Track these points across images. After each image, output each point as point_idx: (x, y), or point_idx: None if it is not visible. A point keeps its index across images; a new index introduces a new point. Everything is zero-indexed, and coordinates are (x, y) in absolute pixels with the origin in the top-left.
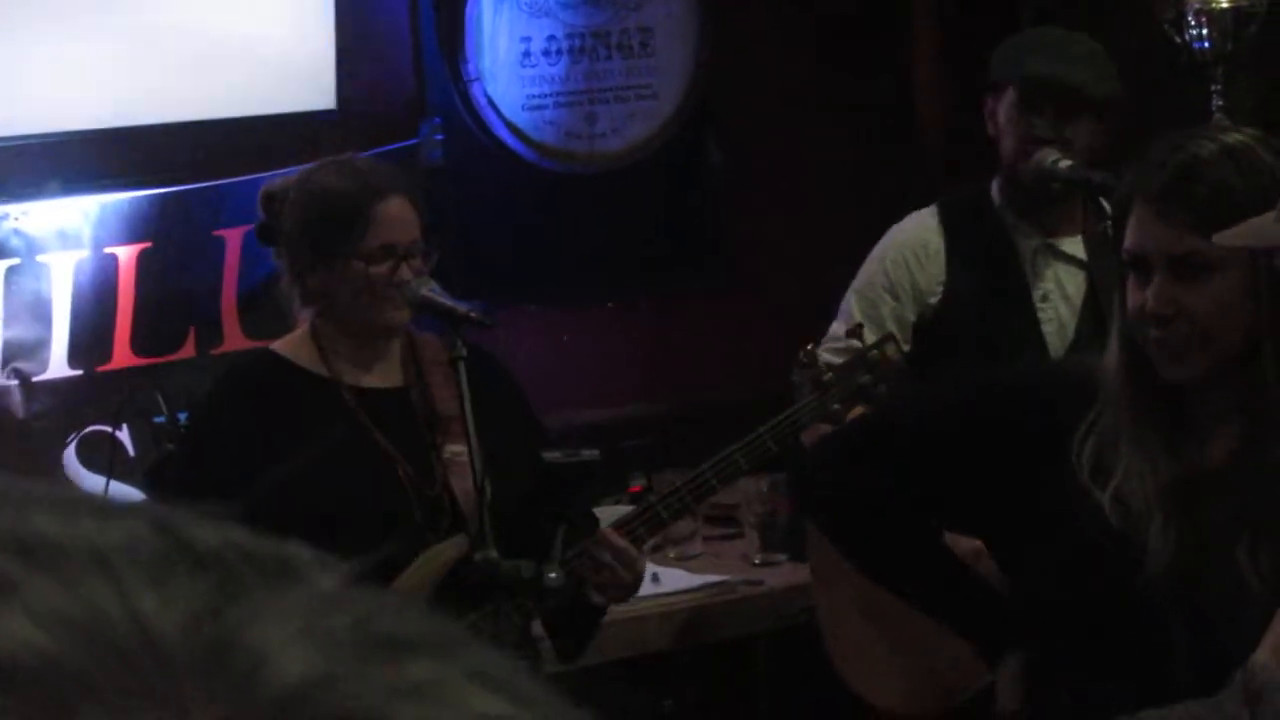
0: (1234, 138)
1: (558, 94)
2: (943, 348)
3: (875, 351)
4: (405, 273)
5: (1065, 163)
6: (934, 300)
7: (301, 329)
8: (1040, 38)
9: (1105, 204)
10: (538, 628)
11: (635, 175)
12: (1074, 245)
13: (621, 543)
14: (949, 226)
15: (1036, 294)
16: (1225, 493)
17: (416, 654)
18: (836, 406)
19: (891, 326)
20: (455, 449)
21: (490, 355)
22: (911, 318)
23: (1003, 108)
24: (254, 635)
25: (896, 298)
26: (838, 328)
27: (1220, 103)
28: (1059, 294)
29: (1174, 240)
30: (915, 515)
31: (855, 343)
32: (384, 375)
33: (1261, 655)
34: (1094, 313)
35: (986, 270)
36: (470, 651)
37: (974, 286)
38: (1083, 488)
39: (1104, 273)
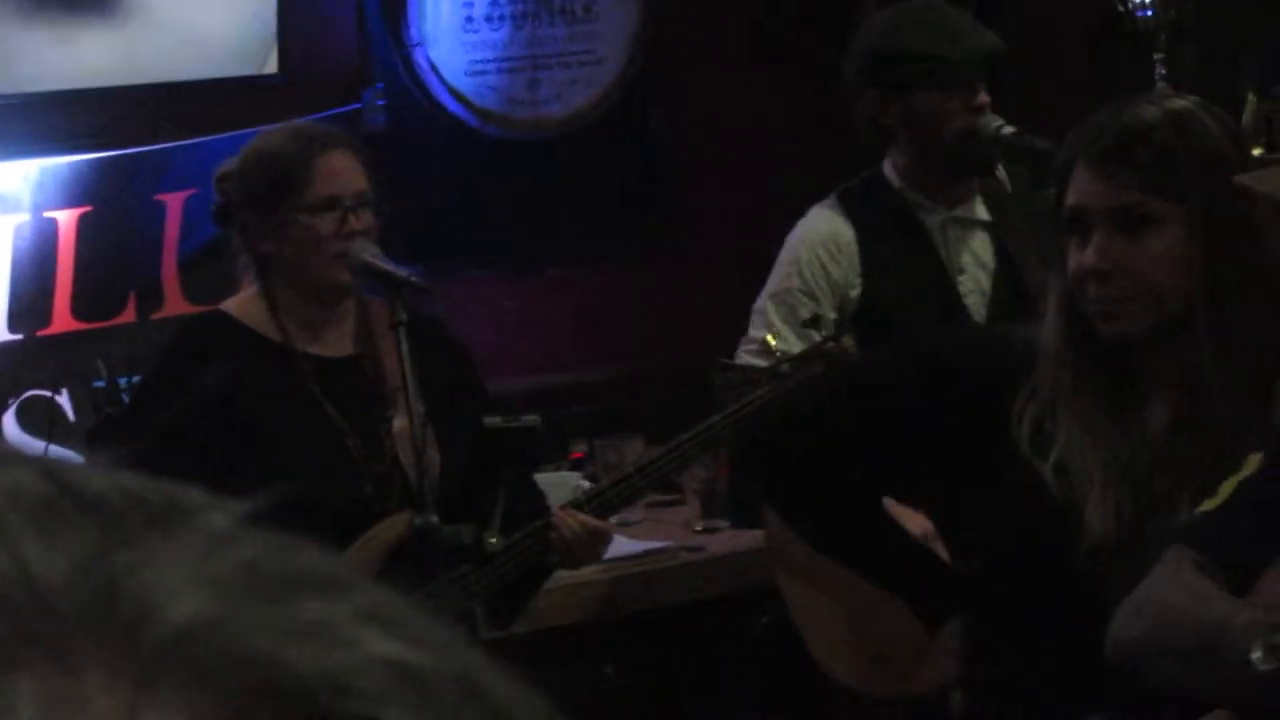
0: (1178, 103)
1: (500, 60)
2: (871, 338)
3: (831, 344)
4: (354, 224)
5: (1008, 129)
6: (855, 293)
7: (252, 290)
8: (916, 28)
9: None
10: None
11: (578, 141)
12: (976, 209)
13: (591, 522)
14: (855, 216)
15: (954, 268)
16: (1165, 461)
17: (308, 594)
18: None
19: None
20: (403, 421)
21: (439, 323)
22: (831, 314)
23: (918, 102)
24: (141, 580)
25: (814, 299)
26: (757, 334)
27: (1163, 71)
28: (975, 263)
29: (1114, 194)
30: (857, 482)
31: (809, 331)
32: (336, 343)
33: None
34: (1008, 271)
35: (901, 255)
36: (364, 592)
37: (892, 273)
38: (1023, 457)
39: (1010, 227)
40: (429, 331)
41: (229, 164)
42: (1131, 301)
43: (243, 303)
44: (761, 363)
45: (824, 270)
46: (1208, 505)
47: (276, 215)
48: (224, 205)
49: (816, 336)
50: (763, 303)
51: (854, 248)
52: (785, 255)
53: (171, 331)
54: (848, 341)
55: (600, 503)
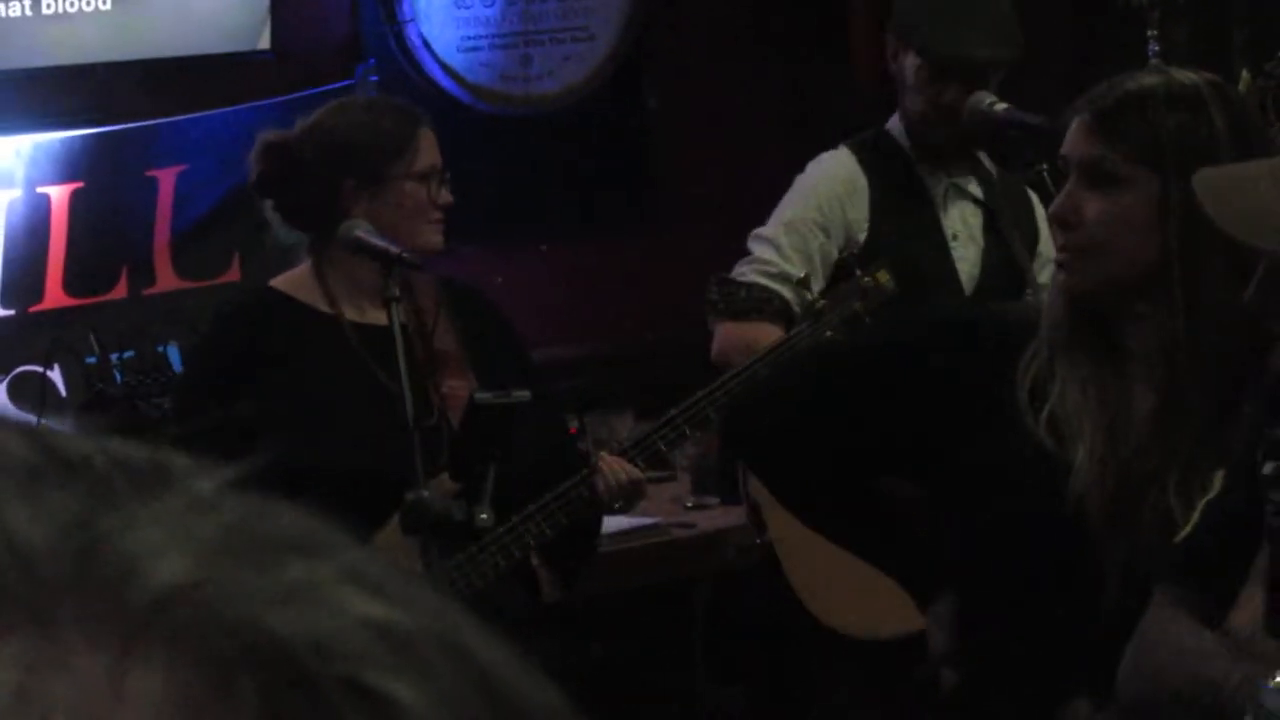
0: (1188, 79)
1: (493, 36)
2: None
3: (867, 279)
4: (446, 196)
5: (1001, 106)
6: (862, 237)
7: (303, 267)
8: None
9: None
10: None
11: (571, 117)
12: (970, 184)
13: (635, 472)
14: (869, 167)
15: (948, 233)
16: (1153, 446)
17: (290, 556)
18: (829, 334)
19: (816, 261)
20: (454, 383)
21: (477, 292)
22: (836, 254)
23: (909, 65)
24: (125, 543)
25: (827, 234)
26: (761, 251)
27: (1156, 49)
28: (966, 233)
29: (1091, 149)
30: (847, 457)
31: (842, 270)
32: (383, 313)
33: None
34: (997, 246)
35: (905, 211)
36: (346, 554)
37: (895, 227)
38: (1020, 420)
39: (999, 208)
40: (472, 301)
41: (275, 135)
42: (1084, 255)
43: (292, 279)
44: (773, 285)
45: (841, 209)
46: (1183, 533)
47: (383, 183)
48: (268, 176)
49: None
50: (773, 228)
51: (867, 195)
52: (801, 187)
53: (217, 306)
54: (883, 276)
55: (646, 447)
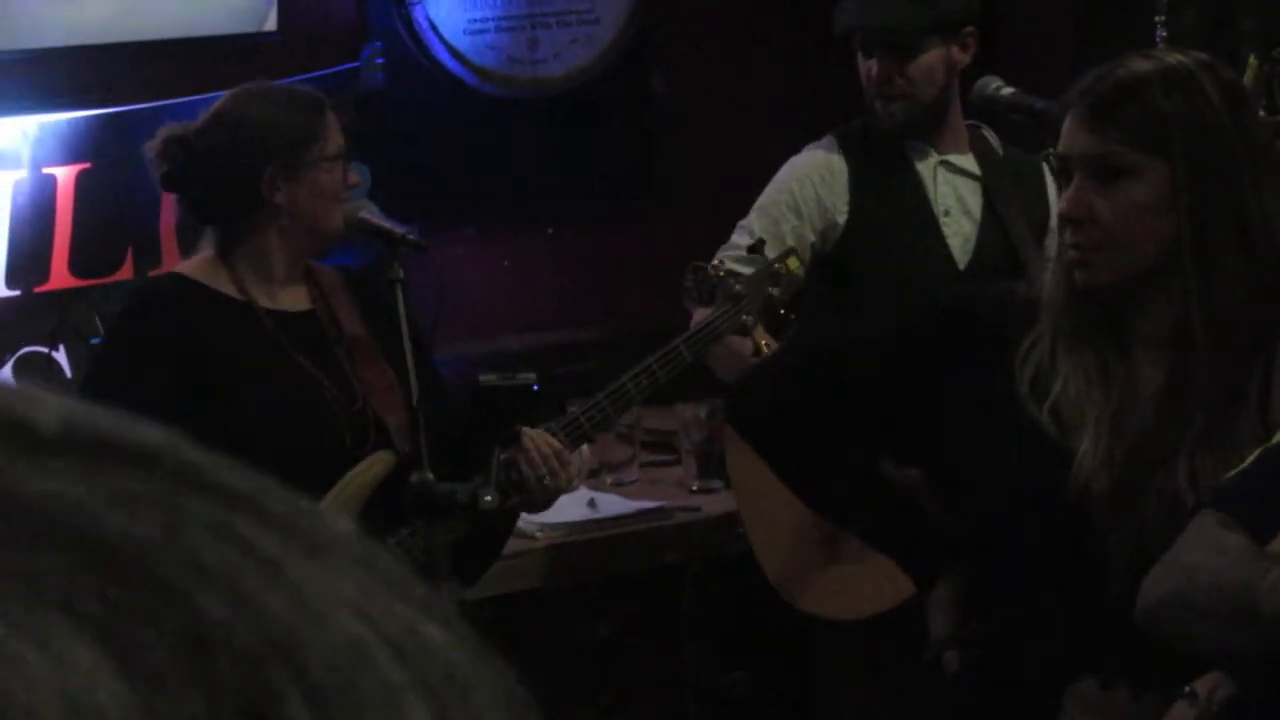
0: (1175, 60)
1: (500, 18)
2: (854, 266)
3: (779, 265)
4: (352, 177)
5: (1007, 90)
6: (842, 219)
7: (206, 254)
8: None
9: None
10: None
11: (577, 101)
12: (967, 161)
13: (556, 443)
14: (849, 151)
15: (939, 210)
16: (1160, 425)
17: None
18: (747, 318)
19: (791, 243)
20: (370, 371)
21: (377, 279)
22: (811, 237)
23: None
24: None
25: (799, 215)
26: (739, 239)
27: (1163, 34)
28: (960, 209)
29: (1094, 145)
30: (854, 441)
31: (756, 256)
32: (293, 299)
33: None
34: (994, 223)
35: (889, 189)
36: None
37: (879, 205)
38: (1023, 408)
39: (998, 187)
40: (373, 289)
41: (178, 129)
42: (1100, 251)
43: (199, 265)
44: (742, 269)
45: (814, 191)
46: (1236, 470)
47: (299, 170)
48: (178, 170)
49: (763, 259)
50: (749, 216)
51: (845, 177)
52: (779, 176)
53: (130, 290)
54: (793, 263)
55: (571, 428)
